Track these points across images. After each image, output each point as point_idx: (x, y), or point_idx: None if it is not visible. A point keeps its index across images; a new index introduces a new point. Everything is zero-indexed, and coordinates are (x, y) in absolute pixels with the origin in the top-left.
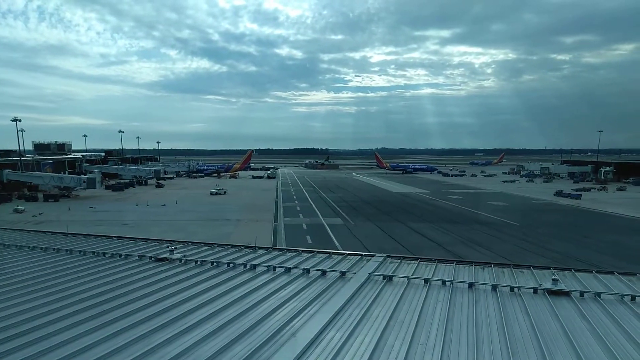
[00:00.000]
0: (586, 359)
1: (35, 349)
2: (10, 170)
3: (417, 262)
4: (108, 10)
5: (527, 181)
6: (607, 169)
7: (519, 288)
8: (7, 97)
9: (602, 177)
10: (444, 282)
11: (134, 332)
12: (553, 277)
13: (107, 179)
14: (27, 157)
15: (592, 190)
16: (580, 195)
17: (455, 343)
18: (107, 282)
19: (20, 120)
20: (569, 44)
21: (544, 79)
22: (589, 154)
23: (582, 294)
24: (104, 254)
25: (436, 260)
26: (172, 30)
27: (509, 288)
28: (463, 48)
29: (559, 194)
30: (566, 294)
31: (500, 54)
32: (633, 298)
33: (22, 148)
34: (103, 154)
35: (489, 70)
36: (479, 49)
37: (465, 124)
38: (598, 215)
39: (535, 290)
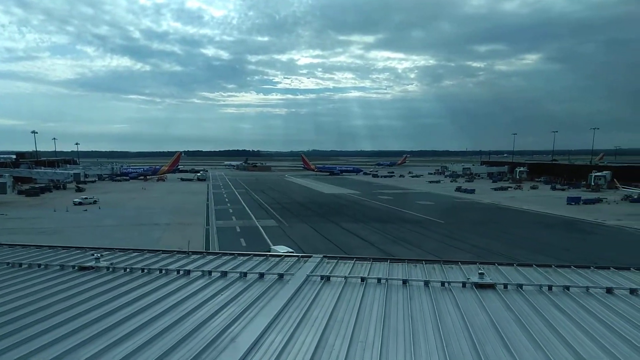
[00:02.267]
0: (512, 347)
1: None
2: None
3: (353, 262)
4: (13, 2)
5: (450, 181)
6: (522, 169)
7: (449, 283)
8: None
9: (518, 177)
10: (379, 280)
11: (60, 347)
12: (479, 272)
13: (19, 183)
14: None
15: (509, 189)
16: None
17: (393, 338)
18: (26, 294)
19: None
20: (483, 53)
21: (462, 84)
22: (505, 155)
23: (505, 286)
24: (20, 265)
25: (371, 259)
26: (88, 26)
27: (440, 283)
28: (386, 53)
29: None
30: (492, 286)
31: (422, 60)
32: (550, 288)
33: None
34: (14, 156)
35: (412, 75)
36: (401, 55)
37: (392, 126)
38: (515, 212)
39: (464, 285)
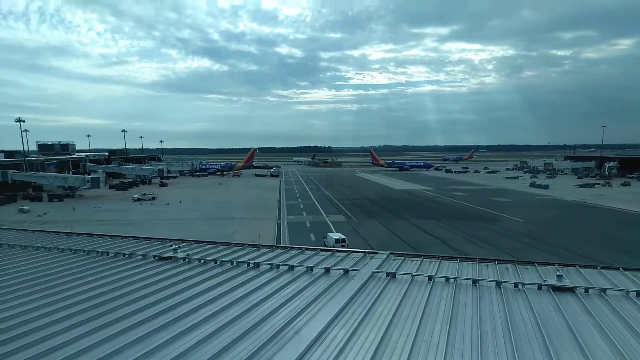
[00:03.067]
0: (591, 354)
1: (39, 348)
2: (15, 171)
3: (421, 259)
4: (108, 11)
5: (530, 177)
6: (611, 164)
7: (523, 284)
8: (10, 98)
9: (607, 173)
10: (447, 279)
11: (137, 332)
12: (557, 274)
13: (111, 178)
14: (31, 157)
15: (596, 185)
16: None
17: (459, 340)
18: (111, 281)
19: (24, 121)
20: (568, 40)
21: (544, 74)
22: (593, 149)
23: (587, 290)
24: (108, 253)
25: (440, 257)
26: (172, 30)
27: (513, 284)
28: (462, 45)
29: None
30: (571, 290)
31: (500, 50)
32: (638, 294)
33: (26, 148)
34: (107, 153)
35: (490, 67)
36: (477, 46)
37: (467, 120)
38: (603, 210)
39: (539, 287)
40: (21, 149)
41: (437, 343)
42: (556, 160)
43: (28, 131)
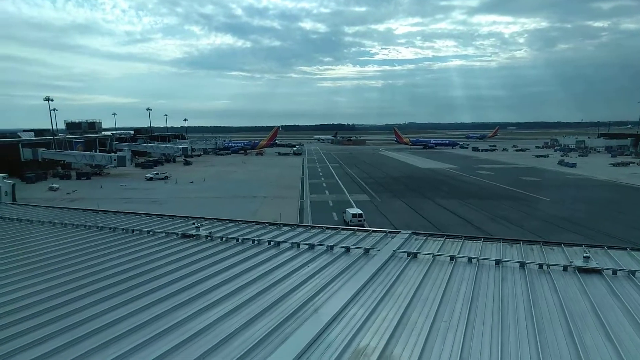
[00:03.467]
0: (616, 337)
1: (64, 323)
2: (44, 149)
3: (444, 239)
4: None
5: (561, 155)
6: None
7: (548, 265)
8: (38, 77)
9: None
10: (470, 259)
11: (160, 307)
12: (584, 255)
13: (136, 156)
14: (60, 136)
15: (631, 164)
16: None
17: (479, 321)
18: (135, 258)
19: (52, 100)
20: (606, 10)
21: (580, 47)
22: (629, 126)
23: (614, 271)
24: (132, 231)
25: (463, 237)
26: (195, 5)
27: (537, 265)
28: (492, 17)
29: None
30: (598, 271)
31: (532, 23)
32: None
33: (54, 127)
34: (132, 132)
35: (521, 40)
36: (509, 18)
37: (496, 96)
38: (636, 190)
39: (565, 268)
40: (50, 127)
41: (456, 323)
42: (589, 138)
43: (56, 110)
